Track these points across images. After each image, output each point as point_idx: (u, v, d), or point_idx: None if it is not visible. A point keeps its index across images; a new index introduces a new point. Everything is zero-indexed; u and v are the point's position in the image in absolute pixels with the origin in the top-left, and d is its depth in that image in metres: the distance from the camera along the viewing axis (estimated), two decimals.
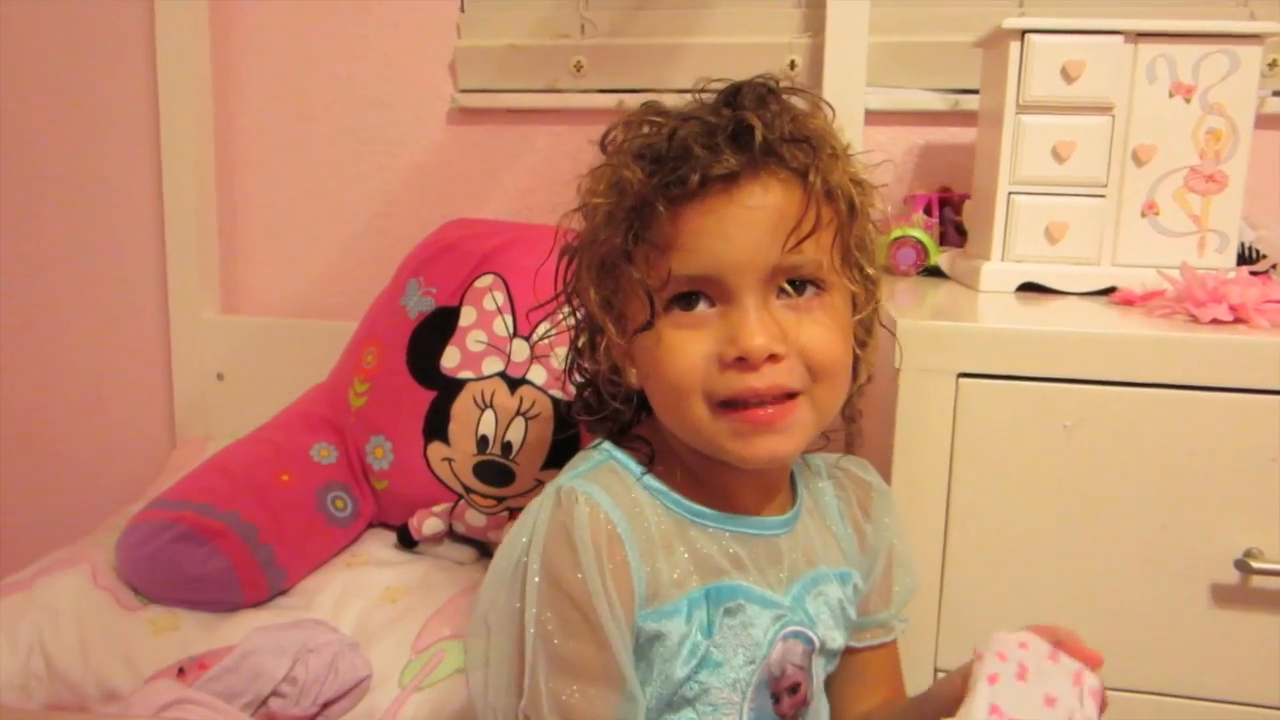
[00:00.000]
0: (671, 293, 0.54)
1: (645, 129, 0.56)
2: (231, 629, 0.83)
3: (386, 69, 1.26)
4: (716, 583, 0.57)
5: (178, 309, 1.27)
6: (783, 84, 0.57)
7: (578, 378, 0.64)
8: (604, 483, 0.57)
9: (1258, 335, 0.69)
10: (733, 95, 0.56)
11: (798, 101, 0.57)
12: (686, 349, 0.54)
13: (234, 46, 1.28)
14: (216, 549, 0.85)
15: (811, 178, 0.53)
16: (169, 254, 1.26)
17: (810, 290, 0.55)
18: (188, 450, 1.20)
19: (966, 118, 1.12)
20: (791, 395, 0.55)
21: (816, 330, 0.55)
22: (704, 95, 0.57)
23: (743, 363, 0.53)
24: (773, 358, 0.53)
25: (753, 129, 0.52)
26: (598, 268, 0.57)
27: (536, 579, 0.54)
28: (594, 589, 0.53)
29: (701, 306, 0.54)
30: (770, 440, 0.55)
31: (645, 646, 0.56)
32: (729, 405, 0.54)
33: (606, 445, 0.61)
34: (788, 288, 0.54)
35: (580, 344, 0.63)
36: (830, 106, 0.59)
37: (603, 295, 0.57)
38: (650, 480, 0.58)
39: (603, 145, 0.59)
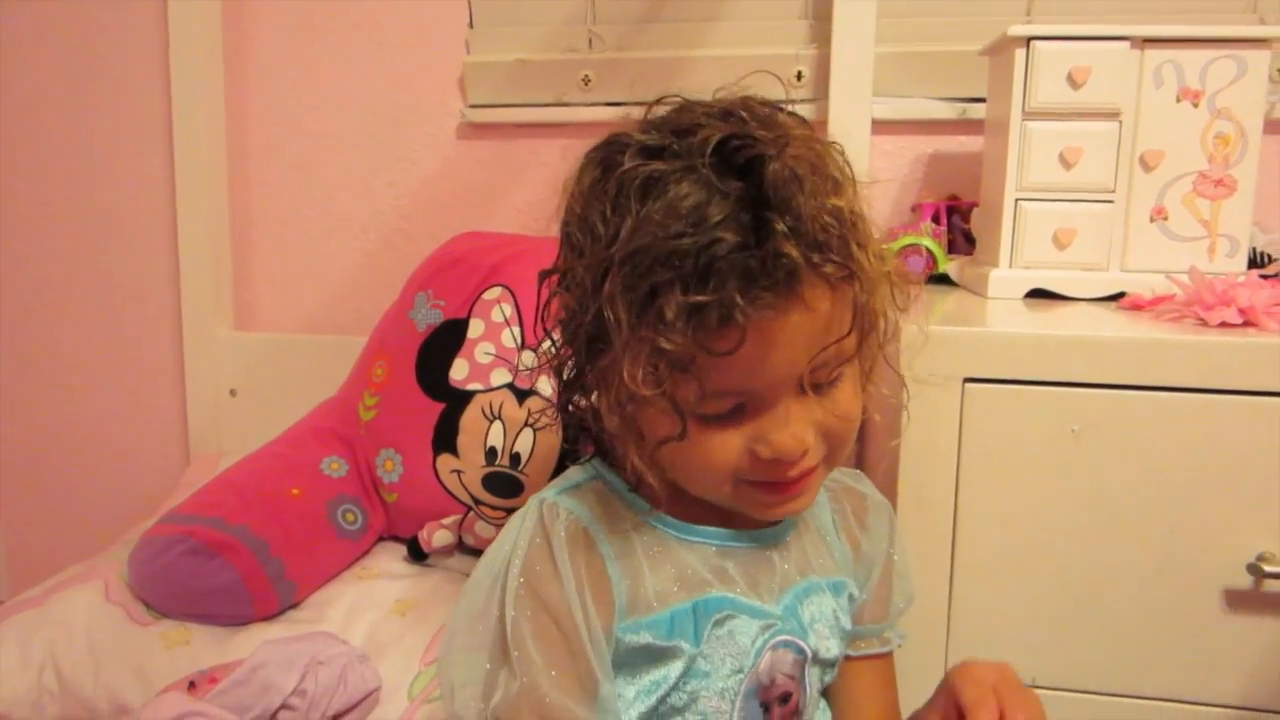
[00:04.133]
0: (704, 411, 0.52)
1: (652, 203, 0.49)
2: (242, 642, 0.83)
3: (396, 85, 1.27)
4: (703, 596, 0.57)
5: (191, 326, 1.28)
6: (798, 150, 0.51)
7: (567, 415, 0.62)
8: (588, 499, 0.58)
9: (1267, 338, 0.69)
10: (756, 187, 0.49)
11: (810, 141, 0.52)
12: (717, 447, 0.53)
13: (246, 64, 1.29)
14: (227, 563, 0.85)
15: (856, 292, 0.51)
16: (182, 271, 1.27)
17: (837, 369, 0.54)
18: (201, 466, 1.21)
19: (973, 126, 1.12)
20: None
21: (841, 401, 0.54)
22: (711, 134, 0.50)
23: (777, 460, 0.53)
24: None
25: (797, 268, 0.48)
26: (625, 398, 0.52)
27: (517, 586, 0.54)
28: (572, 601, 0.53)
29: (732, 410, 0.53)
30: (791, 504, 0.56)
31: (628, 657, 0.56)
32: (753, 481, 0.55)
33: (595, 462, 0.61)
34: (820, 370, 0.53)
35: (567, 377, 0.60)
36: (850, 170, 0.54)
37: (624, 414, 0.53)
38: (635, 497, 0.59)
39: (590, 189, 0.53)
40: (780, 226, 0.48)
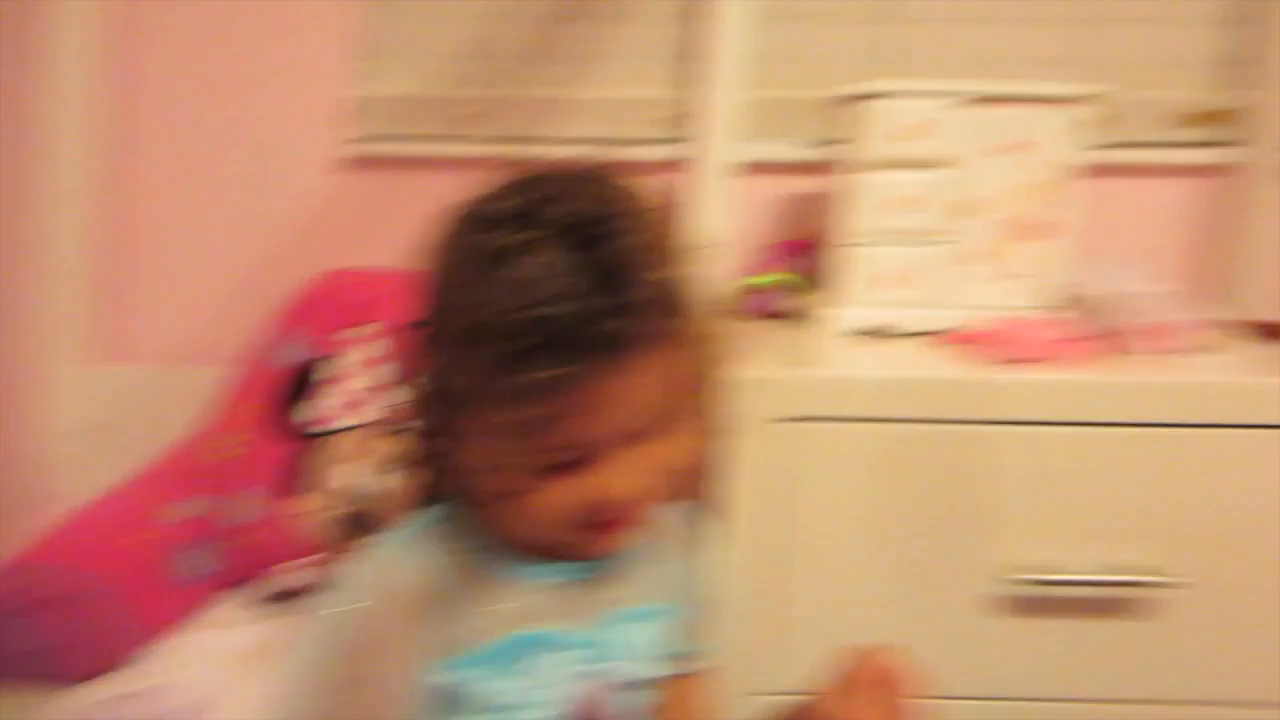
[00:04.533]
0: (537, 465, 0.53)
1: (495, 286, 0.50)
2: (76, 702, 0.80)
3: (279, 116, 1.25)
4: (520, 631, 0.58)
5: (50, 359, 1.23)
6: (642, 222, 0.52)
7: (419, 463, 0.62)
8: (411, 538, 0.58)
9: (1038, 374, 0.78)
10: (599, 259, 0.50)
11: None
12: (548, 498, 0.54)
13: (134, 88, 1.25)
14: (63, 615, 0.82)
15: (691, 354, 0.54)
16: (40, 302, 1.22)
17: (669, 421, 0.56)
18: (48, 508, 1.16)
19: (832, 168, 1.16)
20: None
21: (671, 448, 0.55)
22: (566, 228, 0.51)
23: (608, 505, 0.54)
24: None
25: (635, 337, 0.50)
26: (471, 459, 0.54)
27: (321, 631, 0.55)
28: (375, 645, 0.54)
29: (564, 462, 0.54)
30: (614, 541, 0.57)
31: (445, 699, 0.56)
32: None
33: (441, 504, 0.61)
34: None
35: (419, 428, 0.60)
36: (693, 237, 0.56)
37: (467, 473, 0.55)
38: (476, 536, 0.59)
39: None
40: (620, 300, 0.50)
